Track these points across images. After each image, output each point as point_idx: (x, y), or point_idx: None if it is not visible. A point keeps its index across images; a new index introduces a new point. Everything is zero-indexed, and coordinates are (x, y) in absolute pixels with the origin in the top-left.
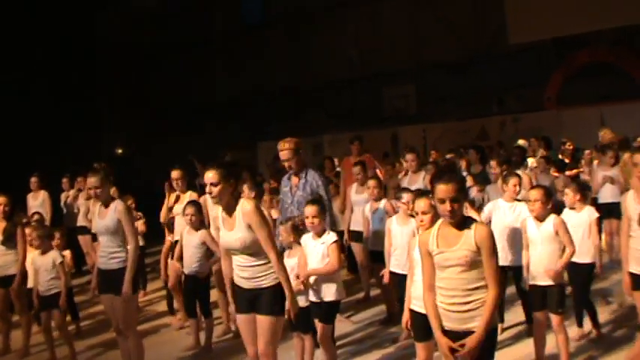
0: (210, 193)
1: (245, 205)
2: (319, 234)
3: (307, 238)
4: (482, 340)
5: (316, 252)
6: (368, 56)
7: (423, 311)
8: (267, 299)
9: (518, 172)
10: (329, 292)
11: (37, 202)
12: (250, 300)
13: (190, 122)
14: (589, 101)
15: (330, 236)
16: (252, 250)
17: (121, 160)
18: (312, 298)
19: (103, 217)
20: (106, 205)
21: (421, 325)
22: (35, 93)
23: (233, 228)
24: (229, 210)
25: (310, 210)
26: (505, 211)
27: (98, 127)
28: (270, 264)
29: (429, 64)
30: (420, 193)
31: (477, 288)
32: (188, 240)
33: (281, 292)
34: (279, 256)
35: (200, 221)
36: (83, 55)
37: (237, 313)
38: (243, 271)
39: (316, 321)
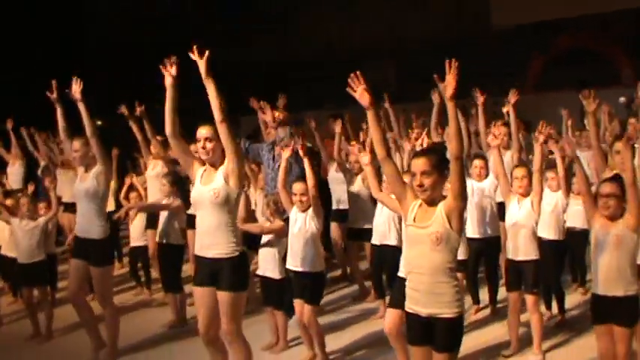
0: (204, 148)
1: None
2: (305, 211)
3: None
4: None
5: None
6: (349, 34)
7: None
8: (227, 274)
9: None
10: (312, 262)
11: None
12: (211, 274)
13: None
14: (568, 87)
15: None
16: (222, 207)
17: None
18: (294, 267)
19: (84, 180)
20: (88, 169)
21: (399, 291)
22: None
23: (210, 182)
24: (215, 166)
25: (299, 187)
26: (474, 191)
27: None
28: (234, 235)
29: (410, 45)
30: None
31: (444, 270)
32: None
33: (242, 266)
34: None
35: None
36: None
37: (195, 285)
38: (206, 237)
39: (298, 302)
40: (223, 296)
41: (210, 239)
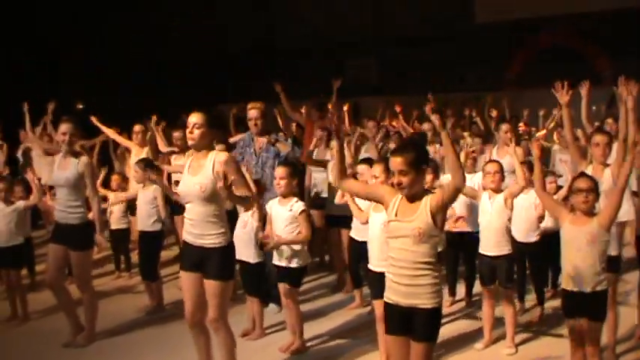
0: (191, 133)
1: (220, 155)
2: (286, 197)
3: (273, 203)
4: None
5: (282, 218)
6: (332, 25)
7: (379, 270)
8: (215, 263)
9: None
10: (296, 259)
11: None
12: (196, 261)
13: (153, 81)
14: (548, 84)
15: (299, 205)
16: (209, 201)
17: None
18: (278, 262)
19: (64, 168)
20: (68, 156)
21: (377, 283)
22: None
23: (197, 174)
24: (203, 155)
25: (280, 171)
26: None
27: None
28: (222, 225)
29: (391, 37)
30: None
31: (425, 263)
32: (141, 195)
33: (229, 255)
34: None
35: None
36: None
37: (182, 270)
38: (194, 227)
39: (282, 285)
40: (210, 285)
41: (199, 230)
